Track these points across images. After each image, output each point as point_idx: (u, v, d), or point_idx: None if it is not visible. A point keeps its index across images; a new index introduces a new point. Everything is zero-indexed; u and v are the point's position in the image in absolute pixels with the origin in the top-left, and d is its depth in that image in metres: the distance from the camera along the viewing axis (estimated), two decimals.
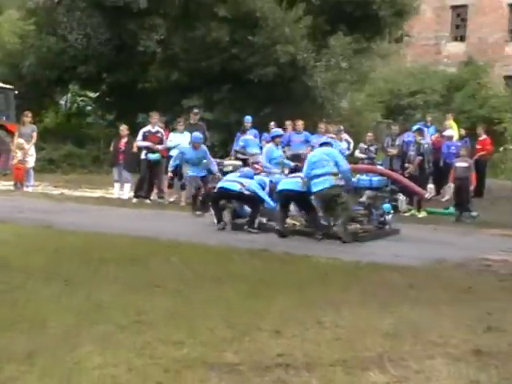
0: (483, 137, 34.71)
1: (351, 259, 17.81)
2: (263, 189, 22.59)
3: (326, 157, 22.02)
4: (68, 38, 42.65)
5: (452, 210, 28.27)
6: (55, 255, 16.47)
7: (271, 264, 16.61)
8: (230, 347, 9.91)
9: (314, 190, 21.87)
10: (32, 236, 18.49)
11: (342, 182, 22.09)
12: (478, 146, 33.45)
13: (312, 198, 22.13)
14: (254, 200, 22.19)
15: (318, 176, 21.83)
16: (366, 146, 30.73)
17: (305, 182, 21.73)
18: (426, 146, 30.17)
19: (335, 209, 22.03)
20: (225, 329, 10.85)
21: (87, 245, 16.40)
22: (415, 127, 32.12)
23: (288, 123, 32.51)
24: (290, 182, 21.99)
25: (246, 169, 24.46)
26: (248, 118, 32.07)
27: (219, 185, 22.72)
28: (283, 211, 22.17)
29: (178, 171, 29.22)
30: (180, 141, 29.34)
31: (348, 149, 30.94)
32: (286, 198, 22.07)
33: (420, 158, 29.01)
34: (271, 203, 22.64)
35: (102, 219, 21.45)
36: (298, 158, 29.03)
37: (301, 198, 21.92)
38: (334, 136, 29.44)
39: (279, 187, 22.12)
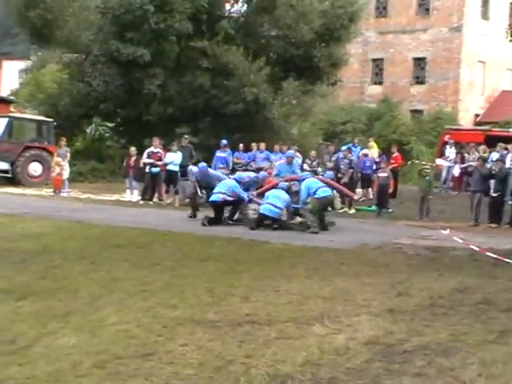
0: (396, 154, 34.67)
1: (299, 244, 17.85)
2: (240, 182, 22.36)
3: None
4: (92, 84, 42.51)
5: (374, 207, 28.35)
6: (84, 242, 16.47)
7: (242, 248, 16.62)
8: (211, 309, 9.96)
9: (321, 195, 21.89)
10: (67, 228, 18.47)
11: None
12: (392, 161, 33.48)
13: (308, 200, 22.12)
14: (235, 201, 22.03)
15: (321, 187, 21.99)
16: (310, 161, 30.67)
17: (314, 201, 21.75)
18: (355, 161, 30.33)
19: (326, 209, 22.31)
20: (207, 296, 10.88)
21: (106, 234, 16.41)
22: (345, 147, 32.25)
23: (254, 145, 32.60)
24: (269, 209, 21.74)
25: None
26: (224, 142, 32.14)
27: (210, 199, 22.51)
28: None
29: (172, 180, 29.58)
30: (174, 158, 29.47)
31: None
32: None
33: (351, 170, 29.15)
34: (245, 197, 22.44)
35: (118, 216, 21.40)
36: (260, 170, 29.20)
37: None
38: (298, 154, 29.99)
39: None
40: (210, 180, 22.22)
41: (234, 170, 30.20)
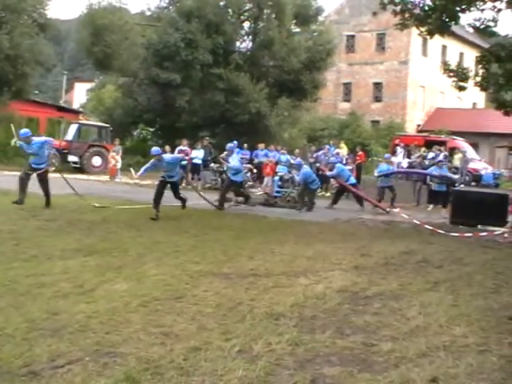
0: (360, 153, 34.61)
1: (289, 218, 17.83)
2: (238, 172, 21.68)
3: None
4: (138, 99, 42.32)
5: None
6: (132, 215, 16.46)
7: (247, 221, 16.59)
8: (225, 265, 9.96)
9: (314, 187, 22.23)
10: (120, 204, 18.39)
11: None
12: (357, 158, 33.42)
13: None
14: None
15: (315, 180, 22.25)
16: (294, 158, 30.55)
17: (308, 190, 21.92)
18: (331, 158, 30.26)
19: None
20: (222, 255, 10.88)
21: (148, 210, 16.33)
22: (326, 147, 32.25)
23: (260, 145, 32.51)
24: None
25: None
26: (235, 142, 32.16)
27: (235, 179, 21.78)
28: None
29: (196, 170, 29.73)
30: (197, 154, 30.02)
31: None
32: None
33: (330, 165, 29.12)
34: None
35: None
36: (261, 164, 29.44)
37: None
38: (284, 152, 29.86)
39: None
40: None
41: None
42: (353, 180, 23.70)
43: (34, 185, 17.30)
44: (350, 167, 28.00)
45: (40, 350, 5.65)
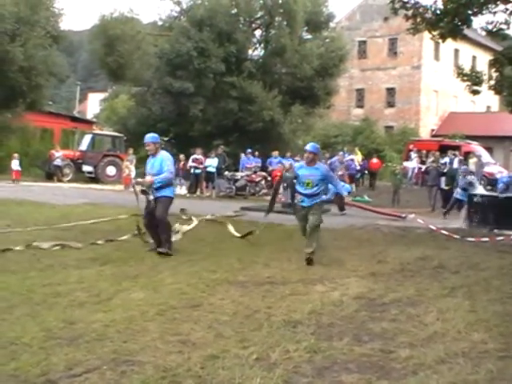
0: (376, 161, 34.87)
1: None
2: None
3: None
4: (152, 109, 42.46)
5: (366, 198, 28.21)
6: None
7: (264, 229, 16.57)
8: (241, 273, 9.96)
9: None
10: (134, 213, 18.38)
11: None
12: (371, 165, 33.57)
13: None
14: None
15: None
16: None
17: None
18: (346, 164, 30.31)
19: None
20: (237, 263, 10.88)
21: None
22: (340, 153, 32.25)
23: (274, 153, 32.53)
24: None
25: None
26: (248, 150, 32.35)
27: None
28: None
29: (210, 179, 29.80)
30: (211, 162, 30.01)
31: None
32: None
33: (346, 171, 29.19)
34: None
35: (172, 205, 21.29)
36: (273, 171, 29.70)
37: None
38: (299, 159, 29.96)
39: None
40: None
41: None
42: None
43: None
44: (341, 173, 27.94)
45: (57, 358, 5.66)
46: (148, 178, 11.89)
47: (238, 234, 14.53)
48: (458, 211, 21.98)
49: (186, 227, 15.36)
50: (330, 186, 22.41)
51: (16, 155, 33.44)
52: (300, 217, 12.00)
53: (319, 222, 11.72)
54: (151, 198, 11.84)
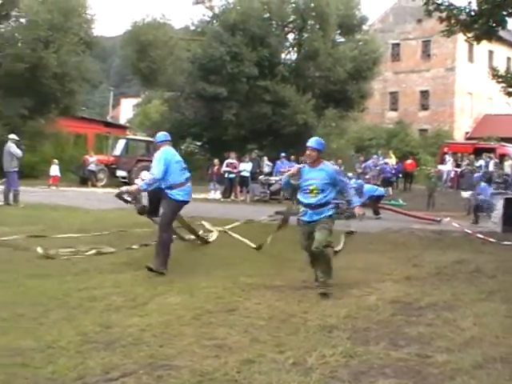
0: (410, 161, 34.82)
1: (341, 229, 17.73)
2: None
3: None
4: (185, 113, 42.86)
5: (401, 202, 28.03)
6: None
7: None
8: (277, 277, 9.96)
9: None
10: None
11: None
12: (406, 166, 33.52)
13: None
14: None
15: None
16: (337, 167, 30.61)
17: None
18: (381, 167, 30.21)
19: None
20: (273, 267, 10.89)
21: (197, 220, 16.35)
22: (374, 156, 32.18)
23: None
24: None
25: None
26: (282, 154, 32.41)
27: None
28: None
29: (244, 183, 29.85)
30: (245, 167, 30.09)
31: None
32: None
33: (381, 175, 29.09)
34: None
35: (204, 209, 21.33)
36: None
37: None
38: (333, 163, 29.98)
39: None
40: None
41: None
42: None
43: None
44: (368, 176, 27.89)
45: (93, 362, 5.69)
46: (134, 186, 11.15)
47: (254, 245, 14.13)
48: (485, 214, 21.87)
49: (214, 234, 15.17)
50: (365, 188, 22.70)
51: (55, 161, 33.84)
52: (302, 234, 9.31)
53: (327, 244, 9.22)
54: (140, 205, 11.38)
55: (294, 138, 39.91)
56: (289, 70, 44.12)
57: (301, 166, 9.28)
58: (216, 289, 8.90)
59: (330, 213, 9.12)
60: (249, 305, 8.03)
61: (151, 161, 28.87)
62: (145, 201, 11.59)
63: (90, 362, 5.68)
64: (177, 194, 10.49)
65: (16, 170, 21.52)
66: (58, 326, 6.82)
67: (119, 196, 10.95)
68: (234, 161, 30.35)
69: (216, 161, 31.63)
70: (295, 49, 46.85)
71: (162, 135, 11.21)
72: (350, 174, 27.66)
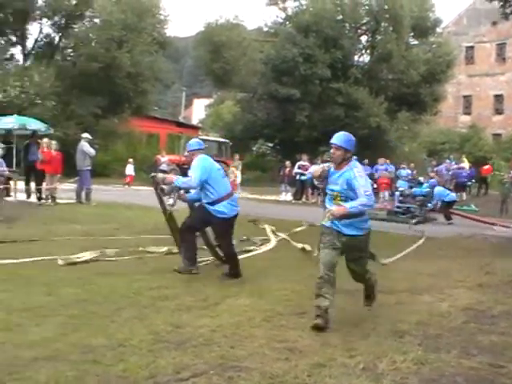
0: (487, 166, 34.73)
1: (409, 234, 17.56)
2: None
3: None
4: (258, 115, 43.13)
5: (473, 207, 27.63)
6: (247, 228, 16.37)
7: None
8: (348, 282, 9.75)
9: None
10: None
11: None
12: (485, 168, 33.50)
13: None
14: None
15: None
16: (410, 171, 30.32)
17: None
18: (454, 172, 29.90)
19: None
20: (343, 271, 10.84)
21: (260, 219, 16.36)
22: (447, 161, 31.88)
23: (380, 160, 32.33)
24: None
25: None
26: (354, 157, 32.30)
27: None
28: None
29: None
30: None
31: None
32: None
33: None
34: None
35: (273, 210, 21.33)
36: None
37: None
38: (405, 166, 29.82)
39: None
40: None
41: None
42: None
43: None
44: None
45: (165, 362, 5.74)
46: (170, 177, 10.37)
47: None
48: None
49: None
50: (435, 190, 22.53)
51: (131, 160, 34.37)
52: (326, 243, 7.38)
53: (369, 276, 7.92)
54: (171, 201, 10.96)
55: (366, 141, 39.65)
56: (361, 72, 43.95)
57: (325, 165, 7.74)
58: (286, 291, 8.91)
59: (363, 226, 7.42)
60: None
61: (223, 161, 28.83)
62: (171, 201, 11.38)
63: (161, 361, 5.73)
64: (222, 211, 10.04)
65: (89, 168, 21.95)
66: (129, 324, 6.91)
67: (156, 186, 10.27)
68: (306, 163, 30.37)
69: (288, 162, 31.74)
70: (368, 51, 46.70)
71: (195, 143, 10.43)
72: (421, 179, 27.37)
